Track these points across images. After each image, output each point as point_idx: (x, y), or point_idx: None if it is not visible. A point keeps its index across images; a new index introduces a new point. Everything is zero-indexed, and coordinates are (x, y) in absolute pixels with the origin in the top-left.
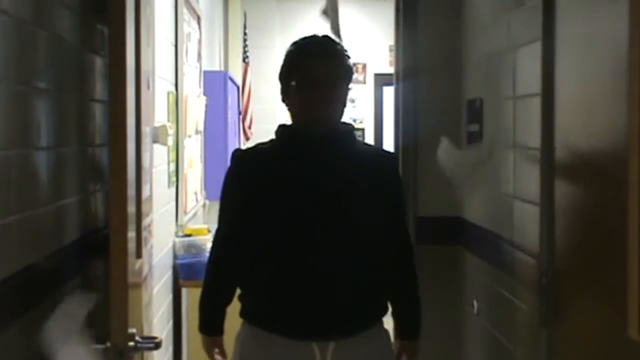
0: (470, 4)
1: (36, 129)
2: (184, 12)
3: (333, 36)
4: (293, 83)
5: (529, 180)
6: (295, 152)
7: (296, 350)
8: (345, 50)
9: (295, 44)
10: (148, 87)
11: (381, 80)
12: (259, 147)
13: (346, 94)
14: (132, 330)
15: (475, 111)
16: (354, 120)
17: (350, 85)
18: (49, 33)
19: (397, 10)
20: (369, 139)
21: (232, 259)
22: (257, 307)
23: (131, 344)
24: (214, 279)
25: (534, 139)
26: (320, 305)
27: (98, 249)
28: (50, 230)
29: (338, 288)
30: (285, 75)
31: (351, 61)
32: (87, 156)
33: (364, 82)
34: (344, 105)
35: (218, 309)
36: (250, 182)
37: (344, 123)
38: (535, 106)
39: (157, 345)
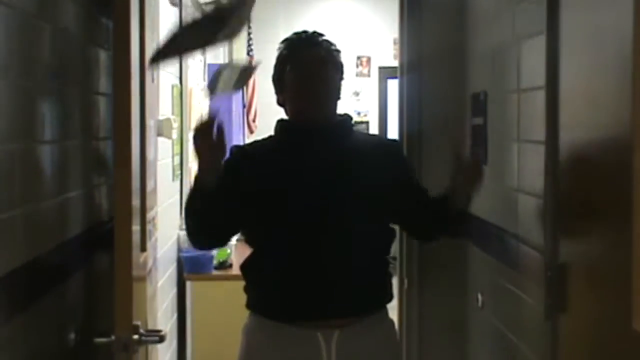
0: None
1: (40, 122)
2: (189, 5)
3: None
4: (288, 68)
5: (534, 173)
6: (293, 144)
7: (301, 339)
8: (334, 45)
9: (285, 40)
10: (152, 80)
11: (386, 73)
12: (256, 142)
13: (339, 86)
14: (137, 323)
15: (480, 104)
16: (358, 114)
17: (343, 78)
18: (53, 26)
19: (402, 3)
20: (374, 132)
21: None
22: (261, 296)
23: (135, 337)
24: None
25: (538, 132)
26: (322, 292)
27: (102, 242)
28: (55, 224)
29: (340, 276)
30: (279, 67)
31: (341, 56)
32: (91, 149)
33: (369, 75)
34: (338, 97)
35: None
36: (247, 177)
37: (341, 115)
38: (539, 99)
39: (162, 339)
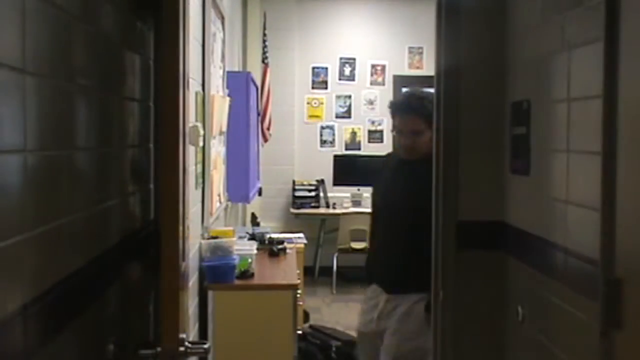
0: (515, 4)
1: (82, 128)
2: (211, 12)
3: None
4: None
5: (586, 184)
6: (393, 167)
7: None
8: (424, 105)
9: (391, 101)
10: (188, 88)
11: (400, 81)
12: (390, 154)
13: (429, 134)
14: (182, 335)
15: (522, 113)
16: (372, 122)
17: (429, 120)
18: (95, 29)
19: (439, 9)
20: (387, 141)
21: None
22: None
23: (181, 349)
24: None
25: (593, 142)
26: (386, 268)
27: (136, 251)
28: (96, 234)
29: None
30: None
31: (430, 105)
32: (127, 157)
33: (383, 84)
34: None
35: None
36: (375, 179)
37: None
38: (593, 108)
39: (206, 351)
